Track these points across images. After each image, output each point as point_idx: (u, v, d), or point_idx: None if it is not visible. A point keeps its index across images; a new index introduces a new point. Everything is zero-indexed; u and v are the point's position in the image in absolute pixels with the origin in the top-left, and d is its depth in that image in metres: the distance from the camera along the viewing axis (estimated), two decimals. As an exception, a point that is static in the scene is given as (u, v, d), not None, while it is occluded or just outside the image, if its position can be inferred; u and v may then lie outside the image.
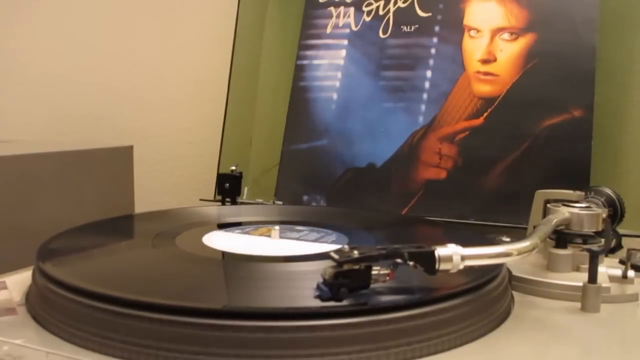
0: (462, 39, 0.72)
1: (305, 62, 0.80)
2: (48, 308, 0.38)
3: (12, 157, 0.63)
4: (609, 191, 0.56)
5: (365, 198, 0.72)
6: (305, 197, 0.75)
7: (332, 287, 0.34)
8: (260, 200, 0.77)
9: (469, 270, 0.37)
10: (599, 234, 0.48)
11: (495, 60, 0.70)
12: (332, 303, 0.33)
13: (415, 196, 0.70)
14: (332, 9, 0.80)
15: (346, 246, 0.35)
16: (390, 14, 0.77)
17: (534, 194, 0.53)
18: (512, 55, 0.69)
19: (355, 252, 0.34)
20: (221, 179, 0.73)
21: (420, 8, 0.75)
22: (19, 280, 0.44)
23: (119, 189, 0.77)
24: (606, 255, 0.49)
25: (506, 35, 0.70)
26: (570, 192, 0.51)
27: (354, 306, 0.33)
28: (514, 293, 0.45)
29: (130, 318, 0.33)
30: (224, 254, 0.46)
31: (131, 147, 0.79)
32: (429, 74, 0.73)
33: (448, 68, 0.72)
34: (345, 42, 0.78)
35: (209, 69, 0.97)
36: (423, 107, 0.72)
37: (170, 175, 1.01)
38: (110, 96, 1.06)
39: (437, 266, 0.35)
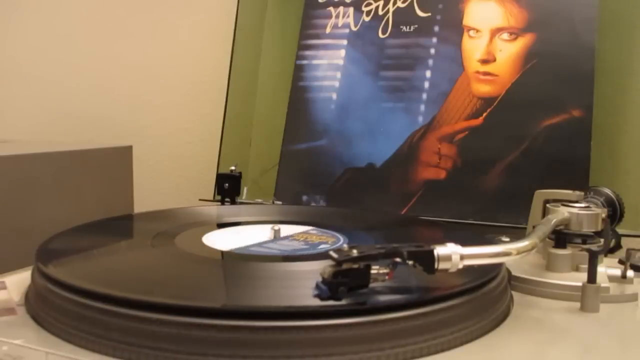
0: (461, 39, 0.72)
1: (304, 62, 0.80)
2: (47, 308, 0.38)
3: (11, 157, 0.63)
4: (608, 191, 0.56)
5: (365, 198, 0.72)
6: (304, 197, 0.75)
7: (331, 286, 0.34)
8: (259, 200, 0.77)
9: (468, 269, 0.37)
10: (598, 233, 0.48)
11: (494, 60, 0.70)
12: (331, 302, 0.33)
13: (415, 196, 0.70)
14: (331, 9, 0.80)
15: (345, 245, 0.35)
16: (390, 14, 0.77)
17: (533, 194, 0.53)
18: (511, 56, 0.69)
19: (355, 251, 0.34)
20: (220, 179, 0.73)
21: (420, 8, 0.75)
22: (18, 281, 0.44)
23: (118, 189, 0.77)
24: (605, 255, 0.49)
25: (505, 36, 0.70)
26: (570, 192, 0.51)
27: (353, 305, 0.33)
28: (514, 293, 0.45)
29: (130, 318, 0.33)
30: (223, 253, 0.46)
31: (130, 147, 0.79)
32: (428, 74, 0.73)
33: (447, 68, 0.72)
34: (345, 42, 0.78)
35: (209, 69, 0.97)
36: (422, 107, 0.72)
37: (169, 175, 1.01)
38: (110, 96, 1.06)
39: (436, 265, 0.35)
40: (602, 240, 0.48)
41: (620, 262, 0.48)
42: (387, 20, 0.76)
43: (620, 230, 0.55)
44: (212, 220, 0.59)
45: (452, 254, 0.36)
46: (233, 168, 0.73)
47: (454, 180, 0.69)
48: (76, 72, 1.09)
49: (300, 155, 0.77)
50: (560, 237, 0.48)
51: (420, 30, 0.75)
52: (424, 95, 0.73)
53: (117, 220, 0.59)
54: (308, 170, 0.76)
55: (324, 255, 0.37)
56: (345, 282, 0.34)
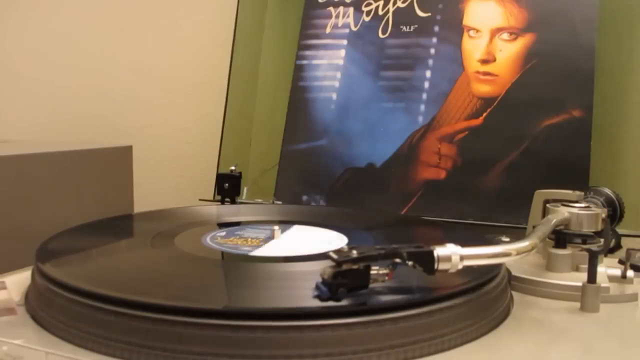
0: (461, 39, 0.72)
1: (304, 62, 0.80)
2: (47, 308, 0.38)
3: (12, 157, 0.63)
4: (608, 191, 0.56)
5: (365, 198, 0.72)
6: (304, 197, 0.75)
7: (331, 287, 0.34)
8: (259, 200, 0.77)
9: (468, 270, 0.37)
10: (598, 233, 0.48)
11: (494, 60, 0.70)
12: (331, 303, 0.33)
13: (415, 196, 0.70)
14: (331, 9, 0.80)
15: (345, 246, 0.35)
16: (390, 14, 0.77)
17: (533, 194, 0.53)
18: (511, 56, 0.69)
19: (354, 252, 0.34)
20: (220, 178, 0.73)
21: (420, 8, 0.75)
22: (19, 281, 0.44)
23: (118, 189, 0.77)
24: (605, 255, 0.49)
25: (505, 36, 0.70)
26: (570, 192, 0.51)
27: (353, 306, 0.33)
28: (514, 293, 0.45)
29: (130, 318, 0.33)
30: (223, 254, 0.46)
31: (130, 147, 0.79)
32: (428, 74, 0.73)
33: (447, 68, 0.72)
34: (345, 42, 0.78)
35: (209, 69, 0.97)
36: (422, 107, 0.72)
37: (169, 175, 1.01)
38: (110, 96, 1.06)
39: (436, 266, 0.35)
40: (602, 240, 0.48)
41: (620, 262, 0.48)
42: (387, 20, 0.76)
43: (620, 230, 0.55)
44: (212, 220, 0.59)
45: (451, 254, 0.36)
46: (233, 168, 0.73)
47: (454, 180, 0.69)
48: (76, 72, 1.09)
49: (300, 155, 0.77)
50: (560, 237, 0.48)
51: (420, 30, 0.75)
52: (424, 95, 0.73)
53: (116, 220, 0.59)
54: (308, 170, 0.76)
55: (324, 256, 0.37)
56: (345, 283, 0.34)
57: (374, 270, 0.35)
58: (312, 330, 0.32)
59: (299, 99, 0.79)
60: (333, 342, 0.32)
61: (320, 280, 0.34)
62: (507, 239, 0.53)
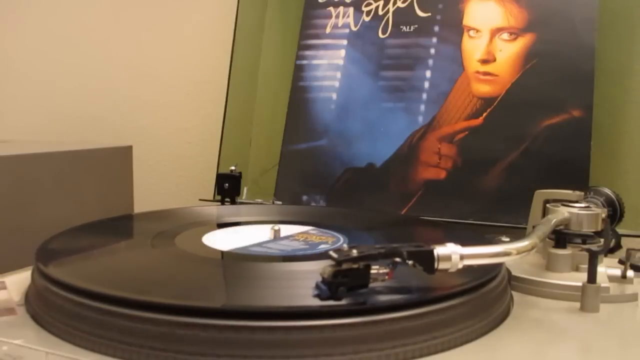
0: (461, 39, 0.72)
1: (304, 62, 0.80)
2: (47, 308, 0.38)
3: (11, 157, 0.63)
4: (608, 191, 0.56)
5: (365, 198, 0.72)
6: (304, 197, 0.75)
7: (331, 286, 0.34)
8: (259, 200, 0.77)
9: (468, 269, 0.37)
10: (598, 233, 0.48)
11: (494, 60, 0.70)
12: (331, 302, 0.33)
13: (415, 196, 0.70)
14: (331, 9, 0.80)
15: (345, 245, 0.35)
16: (390, 14, 0.77)
17: (533, 194, 0.53)
18: (511, 56, 0.69)
19: (355, 251, 0.34)
20: (220, 179, 0.73)
21: (420, 8, 0.75)
22: (19, 281, 0.44)
23: (118, 189, 0.77)
24: (605, 255, 0.49)
25: (505, 35, 0.70)
26: (570, 192, 0.51)
27: (353, 305, 0.33)
28: (514, 293, 0.45)
29: (130, 318, 0.33)
30: (223, 253, 0.46)
31: (130, 147, 0.79)
32: (428, 74, 0.73)
33: (447, 68, 0.72)
34: (345, 42, 0.78)
35: (209, 69, 0.97)
36: (422, 107, 0.72)
37: (169, 175, 1.01)
38: (110, 96, 1.06)
39: (436, 265, 0.35)
40: (602, 240, 0.48)
41: (620, 262, 0.48)
42: (387, 20, 0.76)
43: (620, 230, 0.55)
44: (212, 220, 0.59)
45: (451, 254, 0.36)
46: (233, 168, 0.73)
47: (454, 180, 0.69)
48: (76, 72, 1.09)
49: (300, 155, 0.77)
50: (560, 237, 0.48)
51: (420, 30, 0.75)
52: (424, 95, 0.73)
53: (117, 220, 0.59)
54: (308, 170, 0.76)
55: (323, 255, 0.37)
56: (345, 282, 0.34)
57: (374, 269, 0.35)
58: (312, 329, 0.32)
59: (299, 99, 0.79)
60: (333, 342, 0.32)
61: (320, 279, 0.34)
62: (507, 239, 0.53)
